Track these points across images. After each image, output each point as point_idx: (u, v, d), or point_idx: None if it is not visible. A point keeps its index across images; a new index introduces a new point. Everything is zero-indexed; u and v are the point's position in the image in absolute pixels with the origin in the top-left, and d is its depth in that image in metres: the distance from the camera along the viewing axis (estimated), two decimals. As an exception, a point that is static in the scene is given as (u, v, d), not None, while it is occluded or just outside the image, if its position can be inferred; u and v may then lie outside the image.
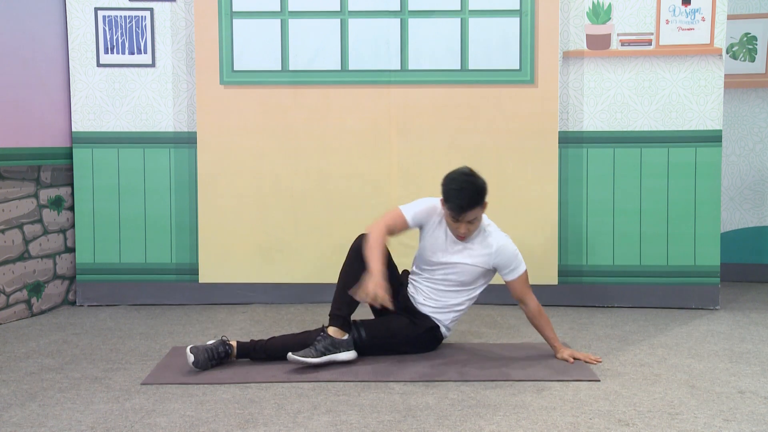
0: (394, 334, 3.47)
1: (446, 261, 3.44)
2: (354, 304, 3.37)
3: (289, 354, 3.26)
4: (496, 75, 4.56)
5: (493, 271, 3.47)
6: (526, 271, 3.44)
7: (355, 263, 3.37)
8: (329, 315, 3.40)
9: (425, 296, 3.51)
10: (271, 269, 4.68)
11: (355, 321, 3.45)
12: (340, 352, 3.33)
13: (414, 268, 3.61)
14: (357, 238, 3.44)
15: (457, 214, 3.27)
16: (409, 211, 3.42)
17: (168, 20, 4.60)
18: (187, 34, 4.60)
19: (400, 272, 3.63)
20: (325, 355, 3.29)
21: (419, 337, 3.50)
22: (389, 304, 3.20)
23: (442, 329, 3.54)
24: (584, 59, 4.54)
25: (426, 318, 3.50)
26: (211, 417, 2.77)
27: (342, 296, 3.37)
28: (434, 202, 3.45)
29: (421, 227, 3.47)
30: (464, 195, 3.25)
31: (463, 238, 3.36)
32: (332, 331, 3.35)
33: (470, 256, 3.41)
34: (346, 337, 3.36)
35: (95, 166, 4.66)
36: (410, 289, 3.57)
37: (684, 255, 4.57)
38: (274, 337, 3.44)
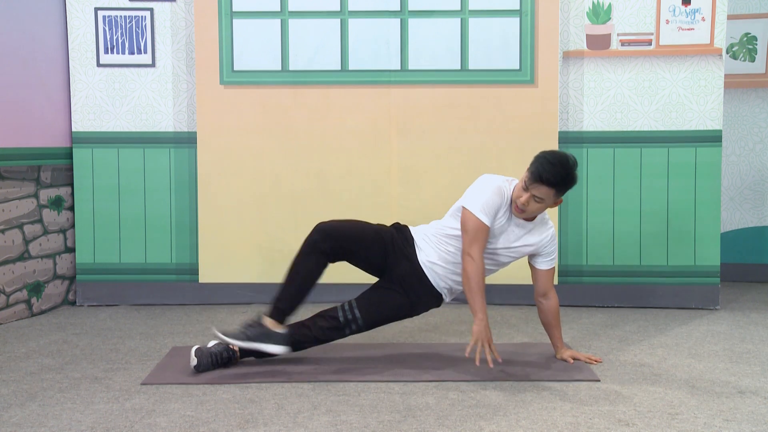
0: (391, 318, 3.41)
1: (507, 245, 3.30)
2: (298, 300, 3.25)
3: (215, 329, 3.23)
4: (496, 75, 4.56)
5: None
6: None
7: (309, 258, 3.27)
8: (270, 303, 3.26)
9: (449, 270, 3.35)
10: (271, 269, 4.67)
11: (349, 303, 3.34)
12: (269, 344, 3.19)
13: (443, 237, 3.35)
14: (313, 232, 3.30)
15: (532, 181, 3.13)
16: (486, 215, 3.19)
17: (168, 20, 4.60)
18: (187, 34, 4.60)
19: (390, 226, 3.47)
20: (253, 342, 3.18)
21: (419, 310, 3.45)
22: (498, 357, 3.16)
23: (446, 297, 3.44)
24: (584, 59, 4.54)
25: (428, 292, 3.37)
26: (211, 417, 2.77)
27: (287, 288, 3.25)
28: (498, 182, 3.26)
29: None
30: (551, 170, 3.10)
31: (520, 210, 3.20)
32: (269, 322, 3.23)
33: (531, 237, 3.32)
34: (282, 331, 3.23)
35: (95, 166, 4.66)
36: (425, 256, 3.35)
37: (684, 255, 4.57)
38: None
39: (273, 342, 3.20)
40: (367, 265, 3.43)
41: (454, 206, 3.37)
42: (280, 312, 3.25)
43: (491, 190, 3.23)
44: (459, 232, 3.29)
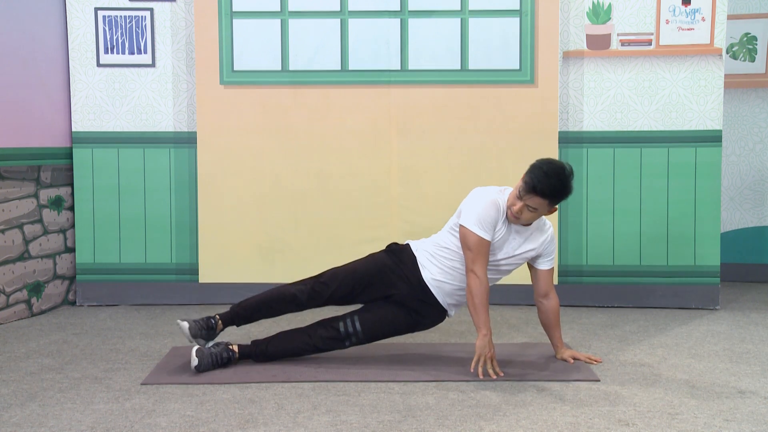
0: (393, 334, 3.42)
1: (510, 254, 3.29)
2: (255, 317, 3.48)
3: (179, 322, 3.36)
4: (496, 75, 4.56)
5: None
6: None
7: (292, 288, 3.46)
8: (232, 309, 3.47)
9: (457, 287, 3.33)
10: (271, 269, 4.68)
11: (351, 316, 3.35)
12: (200, 339, 3.37)
13: (446, 255, 3.32)
14: (315, 283, 3.43)
15: (526, 191, 3.12)
16: (485, 231, 3.17)
17: (168, 20, 4.60)
18: (187, 34, 4.61)
19: (389, 246, 3.48)
20: (199, 337, 3.36)
21: (422, 327, 3.44)
22: (500, 373, 3.19)
23: (451, 312, 3.42)
24: (584, 59, 4.54)
25: (433, 310, 3.36)
26: (211, 417, 2.77)
27: (258, 303, 3.47)
28: (492, 196, 3.23)
29: None
30: (546, 181, 3.10)
31: (515, 217, 3.19)
32: (220, 325, 3.42)
33: (531, 242, 3.30)
34: (219, 331, 3.43)
35: (95, 166, 4.66)
36: (430, 274, 3.33)
37: (684, 255, 4.58)
38: (272, 341, 3.42)
39: (200, 338, 3.39)
40: (370, 301, 3.43)
41: (452, 222, 3.35)
42: (229, 321, 3.45)
43: (486, 204, 3.21)
44: (460, 249, 3.28)
